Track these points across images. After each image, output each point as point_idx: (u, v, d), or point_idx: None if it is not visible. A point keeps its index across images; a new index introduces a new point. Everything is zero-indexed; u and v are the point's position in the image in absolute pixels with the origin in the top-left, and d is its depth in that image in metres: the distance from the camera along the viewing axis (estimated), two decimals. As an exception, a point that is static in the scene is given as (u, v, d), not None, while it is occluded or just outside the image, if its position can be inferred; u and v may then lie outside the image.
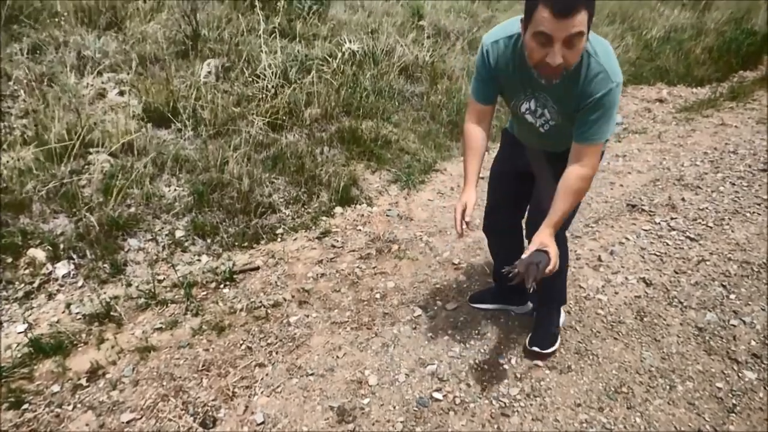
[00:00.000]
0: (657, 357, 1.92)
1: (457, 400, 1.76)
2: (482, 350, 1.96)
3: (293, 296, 2.32)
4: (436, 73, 4.26)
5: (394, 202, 3.06)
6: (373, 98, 3.83)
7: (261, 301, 2.29)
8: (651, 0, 6.69)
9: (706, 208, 2.89)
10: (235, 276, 2.43)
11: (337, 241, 2.70)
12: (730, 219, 2.78)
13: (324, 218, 2.88)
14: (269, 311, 2.22)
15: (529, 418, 1.70)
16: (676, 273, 2.36)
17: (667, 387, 1.80)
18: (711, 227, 2.71)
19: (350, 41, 4.30)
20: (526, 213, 1.88)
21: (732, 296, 2.21)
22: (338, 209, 2.97)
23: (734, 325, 2.05)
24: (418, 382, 1.84)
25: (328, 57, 4.10)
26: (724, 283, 2.29)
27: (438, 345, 1.99)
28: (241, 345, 2.05)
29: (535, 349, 1.88)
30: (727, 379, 1.83)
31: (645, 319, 2.09)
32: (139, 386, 1.85)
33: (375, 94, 3.88)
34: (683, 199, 2.99)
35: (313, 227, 2.81)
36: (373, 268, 2.49)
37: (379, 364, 1.92)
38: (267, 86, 3.71)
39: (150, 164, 2.81)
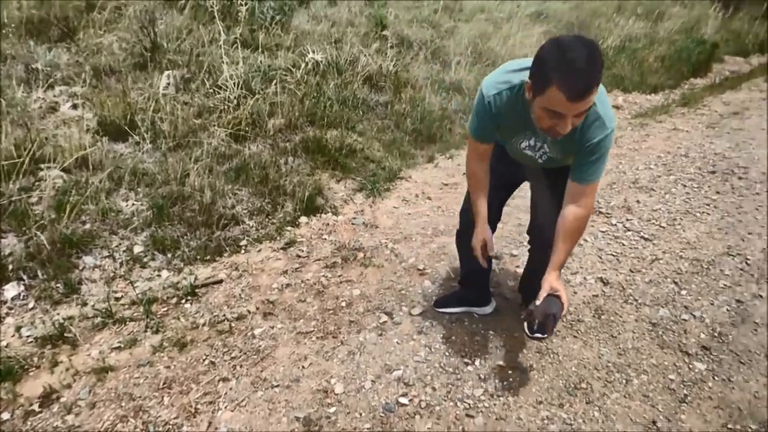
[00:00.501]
0: (614, 353, 2.00)
1: (423, 404, 1.80)
2: (447, 353, 2.01)
3: (258, 308, 2.32)
4: (399, 83, 4.34)
5: (360, 210, 3.10)
6: (337, 108, 3.88)
7: (224, 315, 2.27)
8: (607, 11, 7.00)
9: (660, 209, 3.04)
10: (197, 290, 2.41)
11: (303, 250, 2.71)
12: (681, 219, 2.93)
13: (289, 228, 2.89)
14: (233, 324, 2.22)
15: (492, 418, 1.74)
16: (632, 272, 2.48)
17: (624, 381, 1.88)
18: (664, 227, 2.85)
19: (314, 51, 4.35)
20: (529, 227, 2.01)
21: (683, 292, 2.33)
22: (303, 219, 2.98)
23: (685, 320, 2.16)
24: (384, 388, 1.87)
25: (291, 67, 4.14)
26: (676, 280, 2.41)
27: (404, 350, 2.03)
28: (204, 360, 2.04)
29: (538, 335, 1.97)
30: (679, 371, 1.93)
31: (602, 317, 2.18)
32: (96, 408, 1.81)
33: (339, 104, 3.92)
34: (638, 201, 3.13)
35: (278, 238, 2.81)
36: (339, 276, 2.51)
37: (345, 372, 1.94)
38: (229, 97, 3.71)
39: (106, 179, 2.77)
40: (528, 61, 1.39)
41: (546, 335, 2.04)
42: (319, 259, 2.65)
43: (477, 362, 1.96)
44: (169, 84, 3.63)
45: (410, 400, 1.81)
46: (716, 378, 1.89)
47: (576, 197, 1.57)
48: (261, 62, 4.11)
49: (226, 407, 1.81)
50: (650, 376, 1.90)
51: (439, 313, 2.21)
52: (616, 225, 2.87)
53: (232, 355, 2.06)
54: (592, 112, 1.43)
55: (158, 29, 4.08)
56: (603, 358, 1.97)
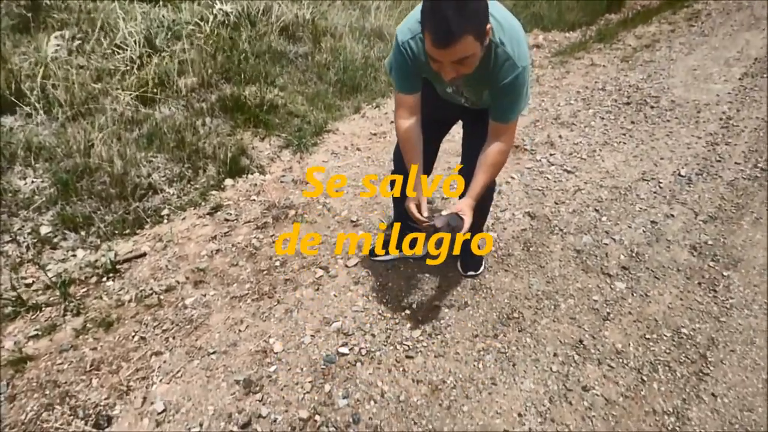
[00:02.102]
0: (542, 282, 2.12)
1: (363, 351, 1.83)
2: (384, 300, 2.04)
3: (187, 278, 2.23)
4: (318, 31, 4.18)
5: (288, 167, 3.01)
6: (253, 62, 3.69)
7: (151, 288, 2.18)
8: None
9: (580, 142, 3.18)
10: (118, 266, 2.28)
11: (231, 214, 2.62)
12: (600, 150, 3.08)
13: (214, 192, 2.77)
14: (162, 297, 2.13)
15: (431, 356, 1.81)
16: (556, 204, 2.59)
17: (552, 307, 2.00)
18: (585, 159, 2.99)
19: (222, 2, 4.07)
20: (460, 169, 1.96)
21: (604, 218, 2.48)
22: (229, 181, 2.87)
23: (606, 244, 2.31)
24: (324, 341, 1.88)
25: (199, 21, 3.86)
26: (597, 208, 2.55)
27: (342, 302, 2.04)
28: (133, 337, 1.95)
29: (471, 273, 2.13)
30: (602, 291, 2.07)
31: (531, 249, 2.29)
32: (17, 401, 1.71)
33: (255, 57, 3.73)
34: (560, 136, 3.26)
35: (203, 203, 2.70)
36: (271, 236, 2.46)
37: (284, 331, 1.93)
38: (131, 57, 3.43)
39: (-4, 155, 2.51)
40: None
41: (479, 272, 2.13)
42: (249, 221, 2.57)
43: (414, 305, 2.01)
44: (59, 47, 3.29)
45: (350, 349, 1.83)
46: (635, 294, 2.05)
47: (497, 135, 1.60)
48: (163, 17, 3.80)
49: (160, 380, 1.76)
50: (576, 300, 2.03)
51: (375, 262, 2.23)
52: (540, 161, 2.97)
53: (164, 328, 1.99)
54: (501, 53, 1.44)
55: (38, -16, 3.65)
56: (533, 288, 2.08)
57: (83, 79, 3.19)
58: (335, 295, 2.07)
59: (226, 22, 3.97)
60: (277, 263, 2.27)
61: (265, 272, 2.23)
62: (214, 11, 3.95)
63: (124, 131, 2.97)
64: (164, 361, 1.83)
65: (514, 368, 1.76)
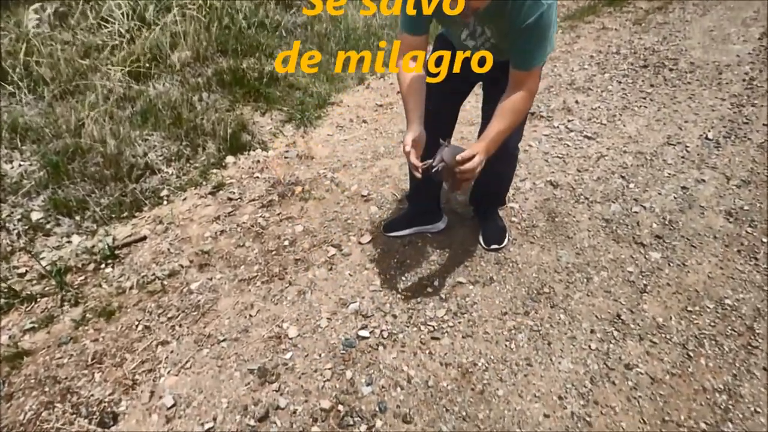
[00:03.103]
0: (572, 254, 1.97)
1: (385, 334, 1.69)
2: (404, 278, 1.90)
3: (191, 261, 2.09)
4: None
5: (291, 142, 2.85)
6: (251, 32, 3.48)
7: (154, 274, 2.03)
8: None
9: (599, 107, 3.00)
10: (117, 252, 2.13)
11: (234, 192, 2.46)
12: (620, 115, 2.91)
13: (215, 171, 2.61)
14: (165, 283, 1.99)
15: (459, 337, 1.67)
16: (579, 171, 2.44)
17: (585, 280, 1.86)
18: (605, 124, 2.82)
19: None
20: (480, 134, 1.81)
21: (631, 185, 2.32)
22: (230, 159, 2.70)
23: (636, 212, 2.17)
24: (342, 323, 1.74)
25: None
26: (622, 175, 2.40)
27: (358, 282, 1.90)
28: (137, 326, 1.82)
29: (495, 246, 1.97)
30: (636, 262, 1.93)
31: (556, 220, 2.14)
32: (15, 399, 1.57)
33: (253, 28, 3.52)
34: (577, 102, 3.08)
35: (204, 182, 2.54)
36: (278, 215, 2.31)
37: (298, 314, 1.79)
38: (119, 30, 3.22)
39: (-21, 137, 2.34)
40: None
41: (503, 245, 1.98)
42: (253, 200, 2.42)
43: (436, 282, 1.87)
44: (40, 21, 3.08)
45: (371, 332, 1.70)
46: (671, 264, 1.91)
47: (518, 84, 1.43)
48: (153, -13, 3.57)
49: (168, 372, 1.63)
50: (609, 272, 1.89)
51: (390, 238, 2.08)
52: (558, 127, 2.81)
53: (169, 315, 1.85)
54: None
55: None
56: (562, 261, 1.94)
57: (69, 55, 3.00)
58: (350, 275, 1.93)
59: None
60: (286, 242, 2.13)
61: (273, 252, 2.08)
62: (206, -19, 3.72)
63: (116, 109, 2.79)
64: (171, 351, 1.70)
65: (549, 347, 1.63)
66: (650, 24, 4.33)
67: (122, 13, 3.20)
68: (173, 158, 2.65)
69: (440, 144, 1.40)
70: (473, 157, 1.35)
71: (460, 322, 1.72)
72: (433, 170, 1.39)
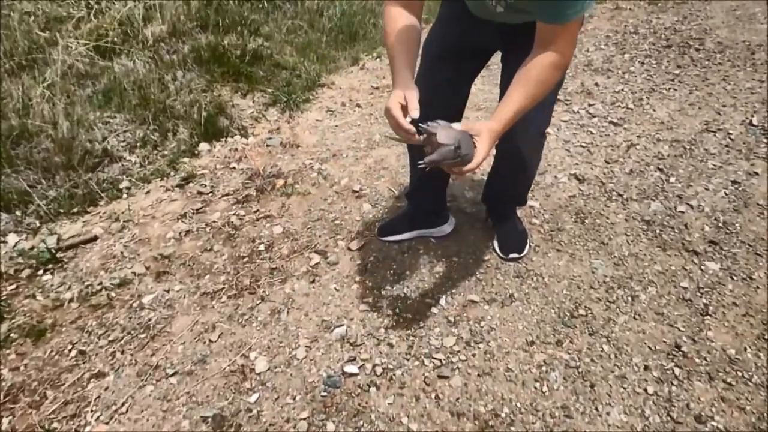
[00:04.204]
0: (609, 264, 1.55)
1: (379, 369, 1.27)
2: (402, 295, 1.47)
3: (148, 267, 1.66)
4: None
5: (275, 128, 2.40)
6: (233, 5, 3.01)
7: (101, 283, 1.61)
8: None
9: (622, 90, 2.56)
10: (60, 255, 1.71)
11: (205, 185, 2.02)
12: (648, 98, 2.47)
13: (185, 160, 2.17)
14: (113, 294, 1.56)
15: (473, 375, 1.25)
16: (608, 163, 2.00)
17: (629, 298, 1.43)
18: (631, 108, 2.38)
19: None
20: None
21: (672, 180, 1.89)
22: (204, 146, 2.26)
23: (682, 212, 1.73)
24: (324, 354, 1.32)
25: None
26: (660, 167, 1.96)
27: (345, 299, 1.47)
28: (70, 350, 1.40)
29: (514, 255, 1.54)
30: (691, 275, 1.50)
31: (586, 222, 1.71)
32: None
33: (237, 2, 3.05)
34: (596, 84, 2.63)
35: (172, 173, 2.10)
36: (255, 212, 1.87)
37: (270, 340, 1.37)
38: (87, 2, 2.76)
39: None
40: None
41: (523, 253, 1.56)
42: (227, 194, 1.98)
43: (442, 301, 1.45)
44: (-6, -14, 2.61)
45: (361, 367, 1.28)
46: (734, 278, 1.49)
47: (546, 42, 1.00)
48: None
49: (97, 419, 1.21)
50: (659, 288, 1.46)
51: (386, 244, 1.65)
52: (578, 112, 2.36)
53: (111, 337, 1.43)
54: None
55: None
56: (598, 273, 1.51)
57: (28, 26, 2.54)
58: (336, 289, 1.51)
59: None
60: (262, 247, 1.70)
61: (245, 259, 1.65)
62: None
63: (75, 87, 2.34)
64: (106, 388, 1.28)
65: (592, 391, 1.21)
66: (667, 3, 3.85)
67: (89, -19, 2.73)
68: (138, 144, 2.21)
69: (429, 127, 0.95)
70: (479, 145, 0.93)
71: (474, 355, 1.29)
72: (420, 165, 0.95)
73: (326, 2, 3.32)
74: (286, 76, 2.74)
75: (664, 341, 1.31)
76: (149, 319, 1.47)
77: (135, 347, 1.39)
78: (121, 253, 1.73)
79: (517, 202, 1.60)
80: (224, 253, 1.69)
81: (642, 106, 2.39)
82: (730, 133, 2.14)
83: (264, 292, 1.51)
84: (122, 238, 1.79)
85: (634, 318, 1.37)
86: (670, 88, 2.54)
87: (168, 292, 1.56)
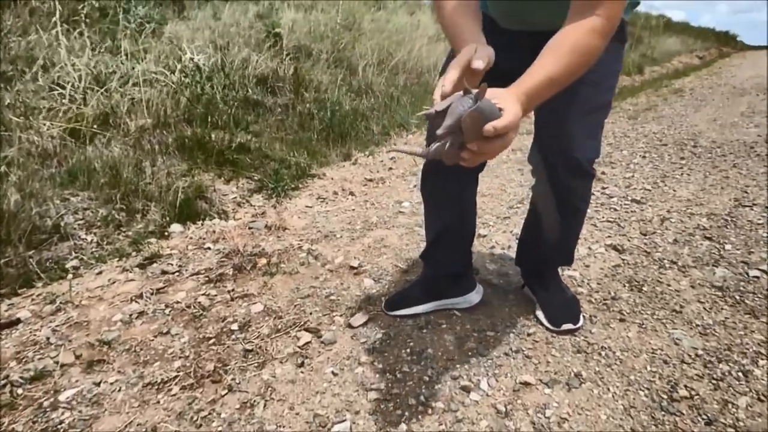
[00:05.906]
0: (694, 334, 1.19)
1: (403, 487, 0.82)
2: (427, 377, 1.07)
3: (78, 356, 1.24)
4: (300, 83, 3.54)
5: (260, 212, 2.14)
6: (223, 106, 2.96)
7: (7, 377, 1.17)
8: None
9: (632, 176, 2.43)
10: (-36, 342, 1.28)
11: (172, 265, 1.68)
12: (663, 182, 2.33)
13: (153, 240, 1.85)
14: (21, 391, 1.12)
15: (551, 490, 0.81)
16: (644, 234, 1.75)
17: (739, 374, 1.05)
18: (650, 189, 2.21)
19: (193, 53, 3.45)
20: (531, 152, 1.15)
21: (728, 246, 1.62)
22: (176, 227, 1.96)
23: (756, 277, 1.43)
24: (318, 465, 0.87)
25: (165, 71, 3.18)
26: (708, 236, 1.71)
27: (347, 385, 1.06)
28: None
29: (568, 326, 1.19)
30: (803, 345, 1.15)
31: (644, 289, 1.39)
32: None
33: (228, 104, 3.01)
34: (604, 173, 2.52)
35: (133, 253, 1.76)
36: (229, 291, 1.51)
37: (236, 447, 0.92)
38: (71, 96, 2.67)
39: None
40: None
41: (579, 324, 1.20)
42: (197, 273, 1.63)
43: (484, 384, 1.04)
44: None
45: (377, 483, 0.83)
46: None
47: (583, 9, 0.80)
48: (120, 63, 3.10)
49: None
50: (770, 360, 1.10)
51: (396, 319, 1.28)
52: (593, 194, 2.18)
53: (-1, 452, 0.95)
54: None
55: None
56: (683, 345, 1.15)
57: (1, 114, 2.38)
58: (334, 374, 1.10)
59: (198, 73, 3.30)
60: (235, 327, 1.30)
61: (211, 341, 1.25)
62: (184, 60, 3.30)
63: (39, 166, 2.10)
64: None
65: None
66: (647, 117, 4.02)
67: (77, 76, 2.67)
68: (98, 223, 1.90)
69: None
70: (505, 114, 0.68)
71: (545, 458, 0.87)
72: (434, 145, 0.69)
73: (317, 108, 3.33)
74: (275, 165, 2.57)
75: (813, 429, 0.91)
76: (60, 422, 1.02)
77: (28, 464, 0.92)
78: (47, 339, 1.31)
79: (563, 259, 1.29)
80: (184, 336, 1.29)
81: (660, 187, 2.23)
82: None
83: (233, 379, 1.09)
84: (53, 321, 1.39)
85: (760, 400, 0.98)
86: (682, 174, 2.43)
87: (98, 385, 1.13)
